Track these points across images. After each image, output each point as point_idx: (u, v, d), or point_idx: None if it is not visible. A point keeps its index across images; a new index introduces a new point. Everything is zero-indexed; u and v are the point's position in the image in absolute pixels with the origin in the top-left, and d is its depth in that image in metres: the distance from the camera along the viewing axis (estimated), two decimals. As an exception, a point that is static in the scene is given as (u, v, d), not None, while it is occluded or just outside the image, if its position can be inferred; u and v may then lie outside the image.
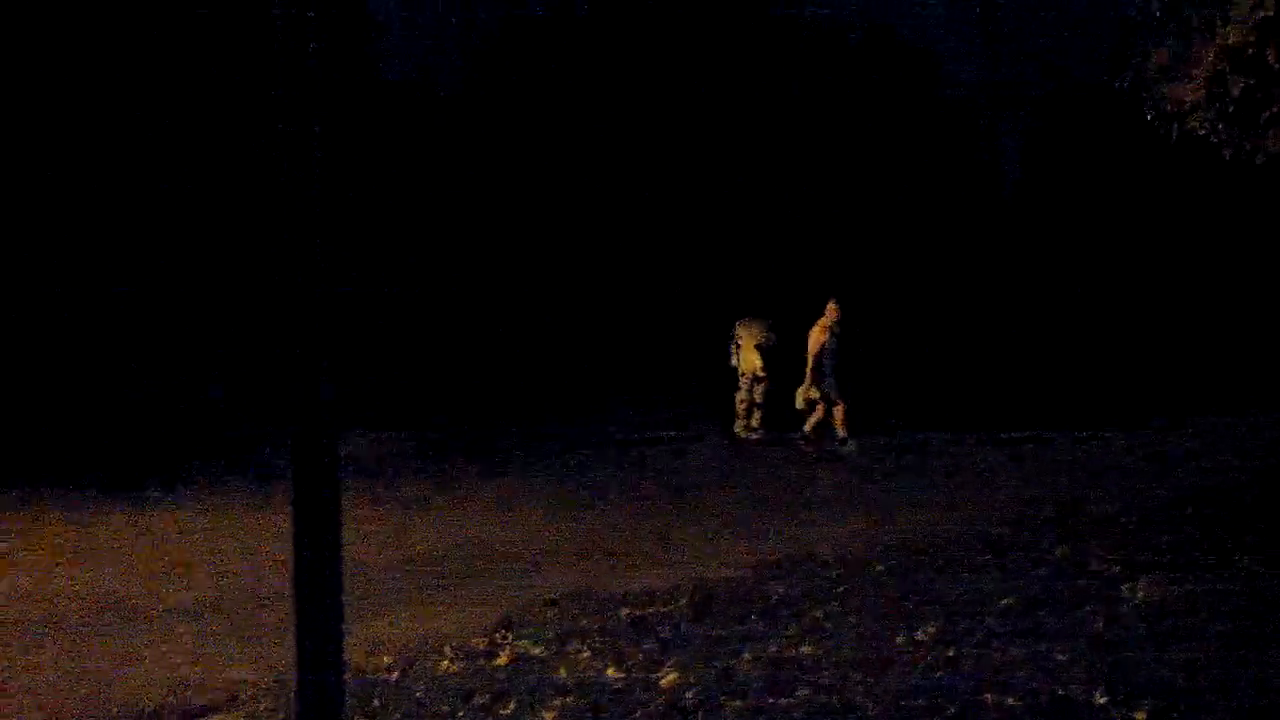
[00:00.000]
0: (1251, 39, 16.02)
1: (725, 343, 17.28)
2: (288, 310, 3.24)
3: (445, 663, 5.97)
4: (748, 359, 16.89)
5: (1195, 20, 16.74)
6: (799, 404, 15.30)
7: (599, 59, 24.73)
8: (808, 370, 15.06)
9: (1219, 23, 16.33)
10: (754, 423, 16.93)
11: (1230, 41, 16.20)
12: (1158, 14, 17.44)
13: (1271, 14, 15.83)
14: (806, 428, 15.21)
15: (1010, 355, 27.09)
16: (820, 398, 15.03)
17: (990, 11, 36.86)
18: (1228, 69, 16.50)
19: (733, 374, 17.12)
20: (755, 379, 16.85)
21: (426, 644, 6.35)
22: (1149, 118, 17.53)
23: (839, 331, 15.02)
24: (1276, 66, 16.10)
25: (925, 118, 30.64)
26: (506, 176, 23.34)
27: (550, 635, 6.43)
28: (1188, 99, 16.85)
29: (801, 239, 26.02)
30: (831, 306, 15.19)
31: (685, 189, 24.58)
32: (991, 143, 34.97)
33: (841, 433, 15.00)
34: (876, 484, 12.88)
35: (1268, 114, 16.45)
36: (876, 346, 23.91)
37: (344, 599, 3.37)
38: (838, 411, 14.97)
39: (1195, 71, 16.61)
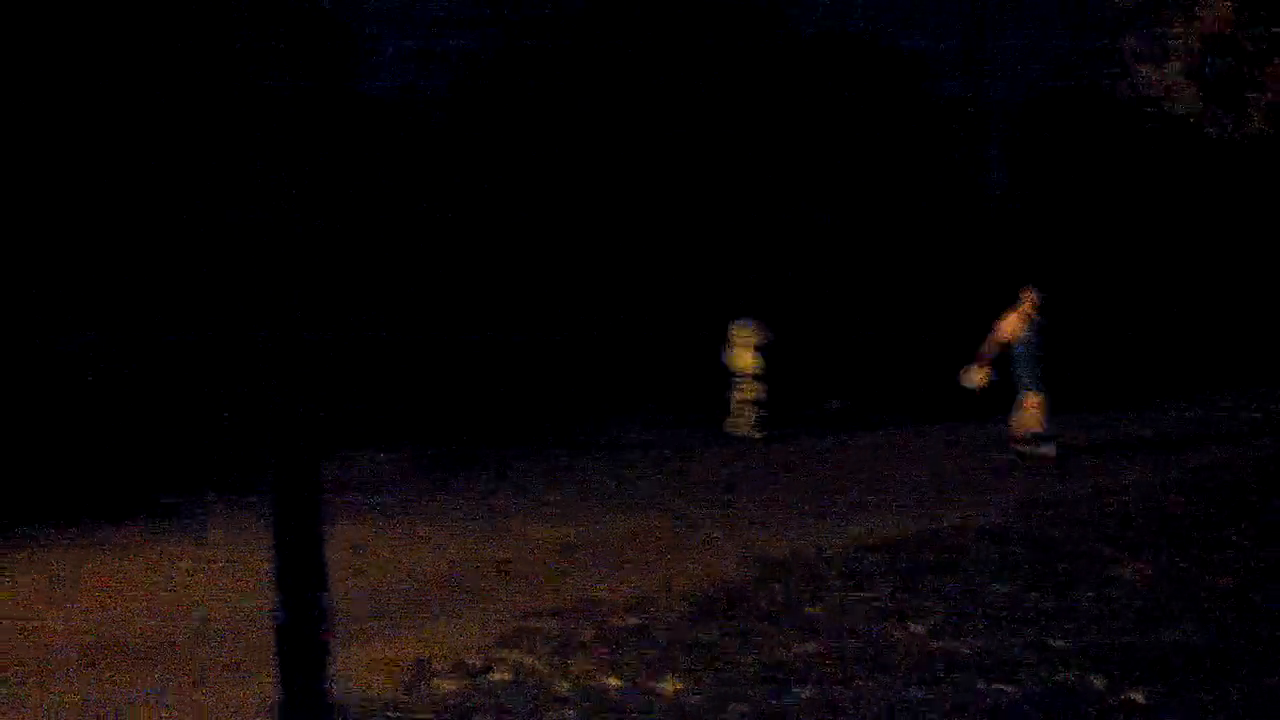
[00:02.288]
0: (1229, 21, 16.13)
1: (720, 344, 17.39)
2: (266, 331, 3.26)
3: (444, 682, 5.96)
4: (741, 359, 17.03)
5: (1172, 5, 16.87)
6: (979, 383, 14.07)
7: (585, 68, 24.71)
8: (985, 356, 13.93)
9: (1196, 6, 16.46)
10: (750, 421, 17.02)
11: (1207, 27, 16.32)
12: (1130, 6, 17.59)
13: (1246, -3, 15.95)
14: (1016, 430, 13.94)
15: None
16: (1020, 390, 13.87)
17: (974, 16, 37.05)
18: (1205, 52, 16.62)
19: (727, 374, 17.23)
20: (751, 377, 16.98)
21: (425, 663, 6.31)
22: (1130, 100, 17.63)
23: (1040, 321, 13.87)
24: (1252, 49, 16.23)
25: (916, 121, 30.69)
26: (494, 191, 23.32)
27: (549, 648, 6.40)
28: (1167, 81, 16.98)
29: (793, 241, 26.05)
30: (1030, 295, 13.99)
31: (678, 194, 24.59)
32: (978, 146, 35.08)
33: (1037, 429, 13.76)
34: (861, 480, 12.84)
35: (1249, 94, 16.55)
36: (856, 346, 23.95)
37: (342, 620, 3.35)
38: (1035, 405, 13.78)
39: (1175, 53, 16.74)
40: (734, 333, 17.22)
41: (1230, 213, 30.89)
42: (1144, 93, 17.23)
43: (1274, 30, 15.85)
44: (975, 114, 34.03)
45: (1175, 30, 16.61)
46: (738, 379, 17.10)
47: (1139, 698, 5.05)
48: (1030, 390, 13.60)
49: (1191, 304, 30.41)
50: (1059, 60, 34.37)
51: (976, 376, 13.95)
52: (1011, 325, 13.81)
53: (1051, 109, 35.14)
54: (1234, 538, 8.01)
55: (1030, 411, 13.64)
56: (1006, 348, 13.78)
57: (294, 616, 3.37)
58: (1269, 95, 16.43)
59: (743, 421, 17.05)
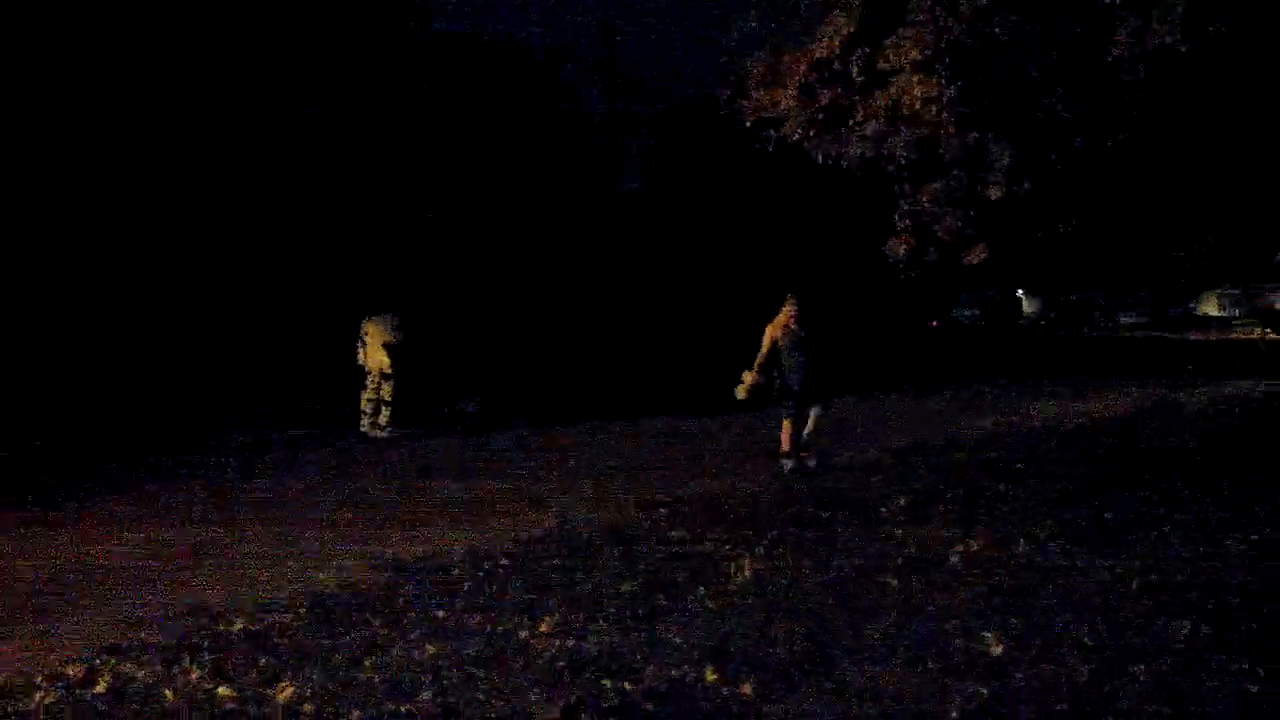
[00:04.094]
0: (837, 52, 17.14)
1: (354, 341, 17.06)
2: None
3: (38, 694, 5.54)
4: (375, 356, 16.75)
5: (788, 33, 17.78)
6: (740, 394, 13.04)
7: (229, 63, 23.63)
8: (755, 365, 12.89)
9: (808, 36, 17.40)
10: (382, 420, 16.79)
11: (818, 55, 17.28)
12: (755, 28, 18.43)
13: (854, 30, 16.98)
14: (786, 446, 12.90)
15: (621, 353, 28.02)
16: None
17: (610, 34, 38.07)
18: (816, 80, 17.59)
19: (361, 372, 16.92)
20: (383, 376, 16.73)
21: (19, 676, 5.86)
22: (748, 124, 18.46)
23: (795, 329, 12.84)
24: (858, 78, 17.29)
25: (558, 126, 31.19)
26: (135, 175, 22.02)
27: (158, 656, 6.09)
28: (782, 106, 17.87)
29: (433, 243, 25.93)
30: (789, 304, 13.01)
31: (311, 192, 23.97)
32: (613, 156, 36.01)
33: (785, 446, 12.85)
34: (498, 480, 12.88)
35: (851, 120, 17.64)
36: (489, 346, 24.16)
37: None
38: (787, 424, 12.88)
39: (788, 81, 17.63)
40: (366, 331, 16.92)
41: (834, 233, 32.91)
42: (762, 114, 18.09)
43: (878, 64, 16.94)
44: (612, 122, 34.91)
45: (788, 58, 17.53)
46: (370, 378, 16.83)
47: (748, 690, 5.27)
48: (783, 405, 12.90)
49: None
50: (692, 76, 35.93)
51: (740, 388, 13.01)
52: (770, 335, 12.99)
53: (683, 122, 36.54)
54: (842, 537, 8.51)
55: (784, 426, 12.91)
56: (772, 357, 12.89)
57: None
58: (872, 124, 17.55)
59: (374, 421, 16.80)
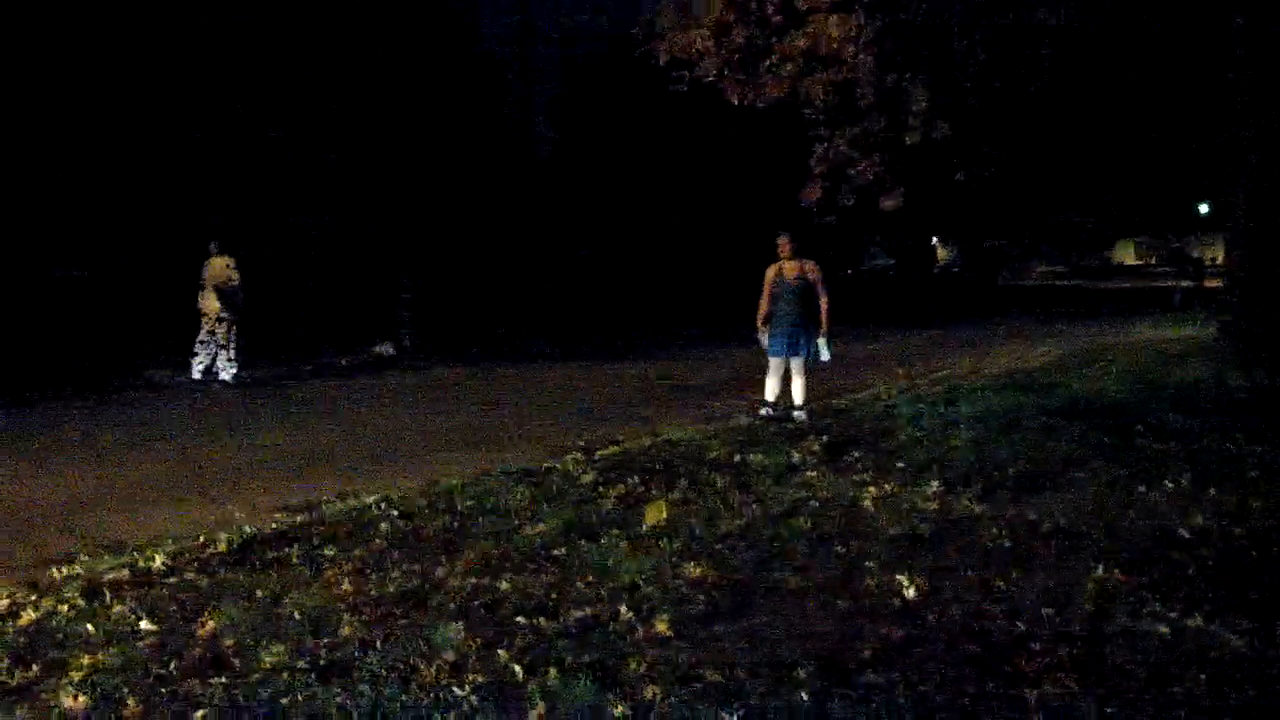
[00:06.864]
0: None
1: (196, 284, 16.74)
2: None
3: (-40, 629, 5.56)
4: (208, 301, 16.46)
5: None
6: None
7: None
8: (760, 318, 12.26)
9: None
10: (223, 363, 16.56)
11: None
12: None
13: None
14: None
15: (543, 299, 28.04)
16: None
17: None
18: (732, 19, 17.55)
19: (199, 316, 16.64)
20: (217, 319, 16.47)
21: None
22: (662, 64, 18.41)
23: (789, 271, 12.07)
24: (775, 18, 17.28)
25: (460, 74, 30.71)
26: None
27: (77, 591, 6.11)
28: (696, 46, 17.81)
29: (334, 191, 25.47)
30: (782, 241, 12.12)
31: (181, 125, 23.31)
32: (525, 100, 35.68)
33: (769, 395, 12.22)
34: (399, 427, 12.88)
35: (768, 62, 17.63)
36: (407, 291, 23.97)
37: None
38: (772, 370, 12.27)
39: (704, 20, 17.56)
40: (205, 274, 16.58)
41: (748, 179, 32.91)
42: (676, 55, 18.04)
43: (796, 3, 16.93)
44: (524, 72, 34.52)
45: (704, -2, 17.46)
46: (205, 320, 16.52)
47: (663, 628, 5.40)
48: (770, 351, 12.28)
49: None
50: (605, 21, 35.51)
51: (763, 338, 12.34)
52: (769, 281, 12.23)
53: (596, 65, 36.30)
54: (756, 482, 8.67)
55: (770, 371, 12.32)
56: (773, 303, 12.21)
57: None
58: (789, 66, 17.57)
59: (211, 364, 16.54)
